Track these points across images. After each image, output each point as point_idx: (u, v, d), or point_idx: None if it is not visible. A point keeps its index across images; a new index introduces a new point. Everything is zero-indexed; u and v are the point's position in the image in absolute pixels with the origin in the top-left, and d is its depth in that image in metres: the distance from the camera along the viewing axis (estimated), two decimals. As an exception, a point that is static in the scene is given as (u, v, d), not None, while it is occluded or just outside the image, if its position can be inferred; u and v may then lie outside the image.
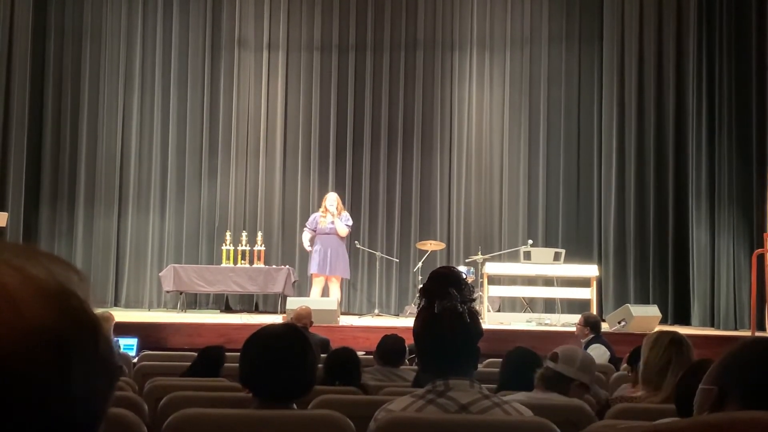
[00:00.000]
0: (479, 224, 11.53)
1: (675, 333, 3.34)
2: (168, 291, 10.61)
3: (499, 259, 10.54)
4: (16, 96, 10.99)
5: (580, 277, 9.88)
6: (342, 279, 10.11)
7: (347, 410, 2.47)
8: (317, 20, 11.75)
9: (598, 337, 6.64)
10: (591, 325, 6.67)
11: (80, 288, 0.61)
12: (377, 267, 10.85)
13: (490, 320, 9.42)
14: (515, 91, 11.64)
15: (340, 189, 11.25)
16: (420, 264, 10.40)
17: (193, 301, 11.09)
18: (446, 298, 1.98)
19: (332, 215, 9.80)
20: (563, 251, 10.16)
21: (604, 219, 11.14)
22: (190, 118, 11.65)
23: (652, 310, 9.06)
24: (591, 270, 9.86)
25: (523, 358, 3.63)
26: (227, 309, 11.11)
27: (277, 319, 8.92)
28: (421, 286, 2.09)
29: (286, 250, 11.41)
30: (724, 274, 10.00)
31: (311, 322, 6.56)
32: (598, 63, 11.44)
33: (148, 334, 8.01)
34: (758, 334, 8.56)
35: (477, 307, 7.85)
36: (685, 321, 10.29)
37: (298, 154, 11.71)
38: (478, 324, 2.04)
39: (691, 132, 10.64)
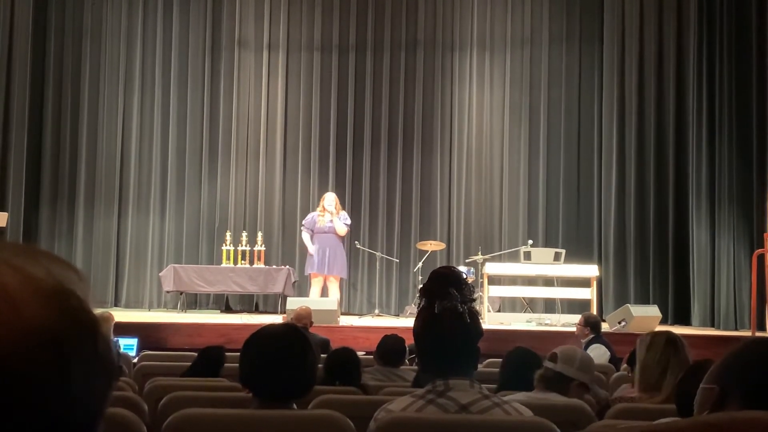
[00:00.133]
0: (479, 224, 11.53)
1: (669, 333, 3.33)
2: (168, 291, 10.61)
3: (499, 259, 10.54)
4: (16, 96, 10.99)
5: (580, 277, 9.88)
6: (340, 279, 10.11)
7: (347, 410, 2.47)
8: (317, 20, 11.75)
9: (599, 337, 6.64)
10: (591, 325, 6.67)
11: (80, 288, 0.61)
12: (377, 267, 10.84)
13: (490, 320, 9.42)
14: (515, 92, 11.64)
15: (340, 189, 11.25)
16: (420, 264, 10.39)
17: (193, 301, 11.09)
18: (446, 298, 1.97)
19: (331, 214, 9.80)
20: (563, 251, 10.16)
21: (605, 219, 11.14)
22: (190, 118, 11.65)
23: (653, 311, 9.06)
24: (591, 270, 9.86)
25: (523, 358, 3.63)
26: (227, 309, 11.11)
27: (277, 319, 8.92)
28: (422, 286, 2.09)
29: (286, 250, 11.41)
30: (724, 274, 10.00)
31: (311, 323, 6.56)
32: (599, 63, 11.44)
33: (148, 334, 8.01)
34: (758, 334, 8.55)
35: (477, 308, 7.84)
36: (686, 321, 10.29)
37: (298, 154, 11.71)
38: (479, 324, 2.04)
39: (691, 132, 10.64)
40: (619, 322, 8.73)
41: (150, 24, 11.74)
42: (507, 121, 11.65)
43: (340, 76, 11.71)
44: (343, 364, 3.92)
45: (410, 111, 11.69)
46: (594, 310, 9.07)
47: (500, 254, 10.74)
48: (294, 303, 8.23)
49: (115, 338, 6.60)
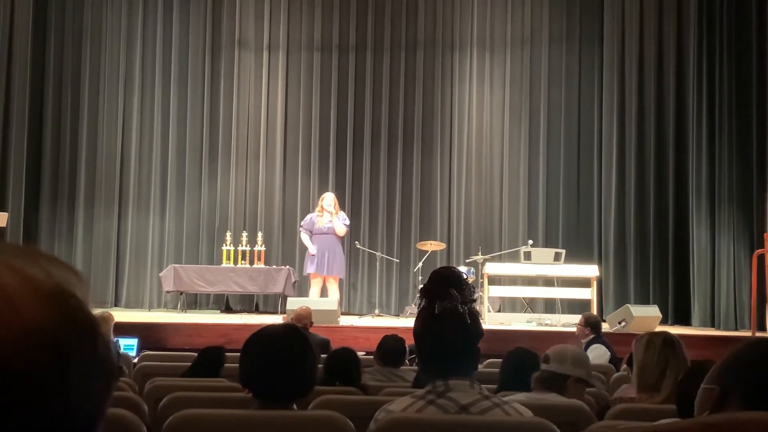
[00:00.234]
0: (479, 224, 11.53)
1: (666, 333, 3.33)
2: (168, 291, 10.61)
3: (499, 259, 10.54)
4: (16, 96, 10.99)
5: (580, 277, 9.88)
6: (339, 279, 10.11)
7: (347, 411, 2.47)
8: (317, 20, 11.75)
9: (599, 337, 6.63)
10: (591, 325, 6.67)
11: (79, 289, 0.61)
12: (377, 267, 10.84)
13: (491, 320, 9.42)
14: (515, 92, 11.64)
15: (340, 189, 11.26)
16: (420, 264, 10.39)
17: (194, 302, 11.09)
18: (447, 298, 1.97)
19: (330, 215, 9.80)
20: (563, 251, 10.16)
21: (605, 219, 11.14)
22: (190, 118, 11.65)
23: (653, 311, 9.06)
24: (591, 270, 9.86)
25: (523, 358, 3.62)
26: (227, 309, 11.11)
27: (277, 319, 8.92)
28: (422, 286, 2.09)
29: (287, 250, 11.40)
30: (724, 275, 10.00)
31: (311, 323, 6.56)
32: (599, 63, 11.44)
33: (148, 335, 8.01)
34: (759, 334, 8.55)
35: (477, 308, 7.84)
36: (686, 321, 10.29)
37: (298, 154, 11.71)
38: (479, 325, 2.04)
39: (691, 132, 10.64)
40: (620, 323, 8.73)
41: (150, 24, 11.74)
42: (507, 121, 11.65)
43: (340, 76, 11.71)
44: (343, 365, 3.92)
45: (410, 111, 11.69)
46: (594, 311, 9.07)
47: (500, 254, 10.74)
48: (294, 303, 8.22)
49: (115, 338, 6.59)
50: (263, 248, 10.69)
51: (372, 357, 4.88)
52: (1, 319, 0.56)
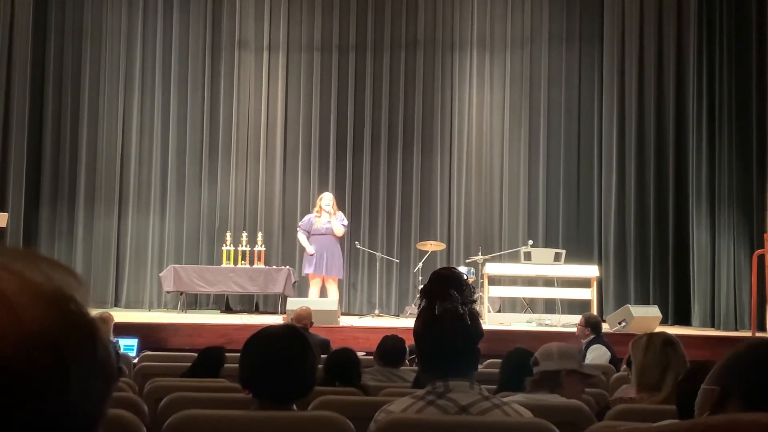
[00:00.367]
0: (479, 225, 11.53)
1: (665, 333, 3.34)
2: (168, 291, 10.61)
3: (499, 259, 10.54)
4: (16, 96, 10.99)
5: (580, 277, 9.88)
6: (338, 279, 10.10)
7: (347, 411, 2.47)
8: (317, 21, 11.75)
9: (599, 337, 6.63)
10: (592, 325, 6.67)
11: (79, 292, 0.61)
12: (377, 267, 10.84)
13: (491, 321, 9.42)
14: (515, 92, 11.64)
15: (340, 189, 11.26)
16: (420, 264, 10.39)
17: (194, 302, 11.09)
18: (447, 299, 1.97)
19: (328, 215, 9.79)
20: (563, 252, 10.16)
21: (605, 219, 11.14)
22: (191, 118, 11.65)
23: (653, 311, 9.06)
24: (591, 270, 9.86)
25: (523, 359, 3.61)
26: (227, 309, 11.11)
27: (277, 319, 8.93)
28: (422, 286, 2.09)
29: (287, 250, 11.40)
30: (724, 275, 10.00)
31: (311, 323, 6.56)
32: (598, 63, 11.44)
33: (148, 335, 8.01)
34: (759, 334, 8.55)
35: (477, 308, 7.84)
36: (686, 321, 10.29)
37: (298, 154, 11.71)
38: (479, 325, 2.04)
39: (691, 132, 10.64)
40: (620, 323, 8.72)
41: (150, 24, 11.74)
42: (507, 121, 11.64)
43: (340, 77, 11.71)
44: (343, 365, 3.92)
45: (410, 111, 11.69)
46: (594, 311, 9.07)
47: (500, 254, 10.74)
48: (294, 303, 8.22)
49: (115, 338, 6.59)
50: (263, 248, 10.69)
51: (372, 357, 4.88)
52: (1, 323, 0.56)
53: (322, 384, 3.54)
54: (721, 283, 9.99)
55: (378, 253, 10.83)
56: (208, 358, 4.30)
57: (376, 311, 10.68)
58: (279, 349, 2.25)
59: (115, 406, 2.23)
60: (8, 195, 10.81)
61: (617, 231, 11.00)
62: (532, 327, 9.25)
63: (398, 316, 10.83)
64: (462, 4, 11.72)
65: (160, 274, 10.54)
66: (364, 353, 5.65)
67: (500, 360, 3.91)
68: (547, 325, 9.41)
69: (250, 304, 11.21)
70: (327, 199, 9.92)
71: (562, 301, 10.15)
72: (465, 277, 2.11)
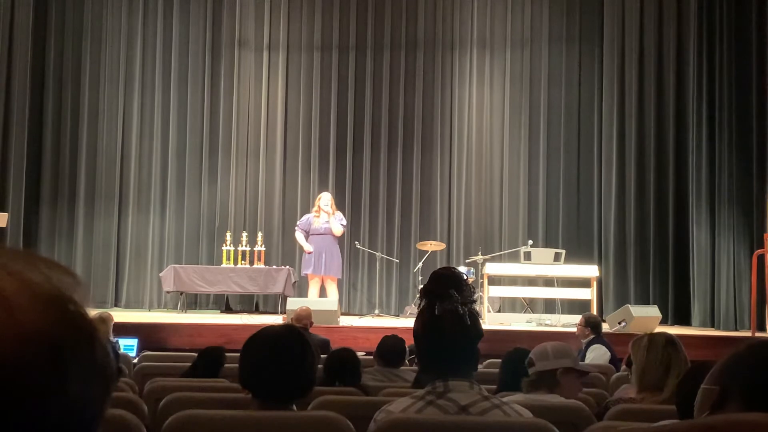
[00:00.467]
0: (479, 225, 11.53)
1: (667, 334, 3.34)
2: (168, 291, 10.61)
3: (499, 259, 10.54)
4: (16, 96, 10.99)
5: (580, 277, 9.88)
6: (337, 279, 10.10)
7: (347, 411, 2.47)
8: (317, 20, 11.75)
9: (599, 337, 6.63)
10: (591, 325, 6.67)
11: (78, 293, 0.61)
12: (377, 267, 10.84)
13: (491, 321, 9.42)
14: (515, 92, 11.63)
15: (340, 189, 11.26)
16: (420, 264, 10.39)
17: (194, 302, 11.09)
18: (447, 299, 1.97)
19: (327, 215, 9.79)
20: (563, 252, 10.16)
21: (605, 219, 11.14)
22: (191, 118, 11.65)
23: (653, 311, 9.06)
24: (591, 270, 9.87)
25: (522, 359, 3.62)
26: (227, 309, 11.11)
27: (277, 319, 8.93)
28: (422, 286, 2.09)
29: (287, 250, 11.40)
30: (724, 275, 10.01)
31: (311, 323, 6.56)
32: (598, 63, 11.44)
33: (148, 335, 8.01)
34: (758, 334, 8.56)
35: (477, 308, 7.84)
36: (686, 321, 10.29)
37: (298, 154, 11.71)
38: (479, 325, 2.04)
39: (691, 132, 10.64)
40: (620, 323, 8.72)
41: (150, 24, 11.74)
42: (507, 121, 11.64)
43: (340, 76, 11.71)
44: (343, 365, 3.92)
45: (410, 111, 11.69)
46: (594, 311, 9.07)
47: (500, 254, 10.74)
48: (294, 303, 8.22)
49: (115, 338, 6.59)
50: (263, 248, 10.68)
51: (372, 357, 4.87)
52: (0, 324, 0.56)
53: (321, 384, 3.54)
54: (721, 283, 9.99)
55: (378, 253, 10.83)
56: (208, 358, 4.30)
57: (376, 311, 10.68)
58: (279, 349, 2.25)
59: (115, 406, 2.23)
60: (8, 195, 10.81)
61: (617, 231, 11.00)
62: (532, 327, 9.25)
63: (398, 316, 10.83)
64: (462, 4, 11.72)
65: (160, 274, 10.54)
66: (364, 353, 5.65)
67: (500, 360, 3.91)
68: (547, 325, 9.41)
69: (250, 304, 11.21)
70: (326, 199, 9.92)
71: (562, 301, 10.15)
72: (465, 277, 2.11)
